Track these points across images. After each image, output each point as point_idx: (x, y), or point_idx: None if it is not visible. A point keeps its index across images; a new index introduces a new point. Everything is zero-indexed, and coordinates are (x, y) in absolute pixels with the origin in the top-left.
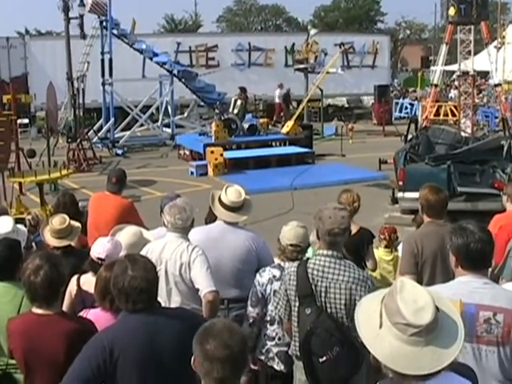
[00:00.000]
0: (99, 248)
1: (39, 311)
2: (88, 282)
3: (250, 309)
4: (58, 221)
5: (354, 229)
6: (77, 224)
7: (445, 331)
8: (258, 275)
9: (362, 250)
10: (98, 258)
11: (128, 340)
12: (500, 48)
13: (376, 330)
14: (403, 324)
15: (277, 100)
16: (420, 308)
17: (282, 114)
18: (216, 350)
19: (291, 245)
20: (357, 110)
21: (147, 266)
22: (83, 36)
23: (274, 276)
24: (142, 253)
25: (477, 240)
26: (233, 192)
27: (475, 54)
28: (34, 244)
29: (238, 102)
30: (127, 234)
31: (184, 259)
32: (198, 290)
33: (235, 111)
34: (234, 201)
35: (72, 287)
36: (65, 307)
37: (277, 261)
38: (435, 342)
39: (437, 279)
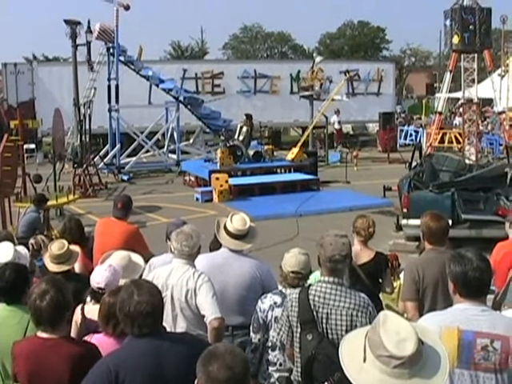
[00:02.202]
0: (98, 277)
1: (44, 335)
2: (91, 310)
3: (251, 335)
4: (57, 246)
5: (370, 254)
6: (76, 249)
7: (429, 363)
8: (259, 301)
9: (379, 274)
10: (98, 288)
11: (133, 364)
12: (504, 76)
13: (360, 364)
14: (386, 356)
15: (336, 126)
16: (402, 339)
17: (339, 140)
18: (218, 372)
19: (293, 272)
20: (362, 137)
21: (152, 290)
22: (91, 68)
23: (276, 302)
24: (149, 278)
25: (475, 268)
26: (238, 220)
27: (480, 81)
28: (37, 268)
29: (244, 129)
30: (116, 258)
31: (190, 285)
32: (203, 316)
33: (241, 138)
34: (240, 229)
35: (77, 317)
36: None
37: (280, 287)
38: (419, 373)
39: (438, 306)
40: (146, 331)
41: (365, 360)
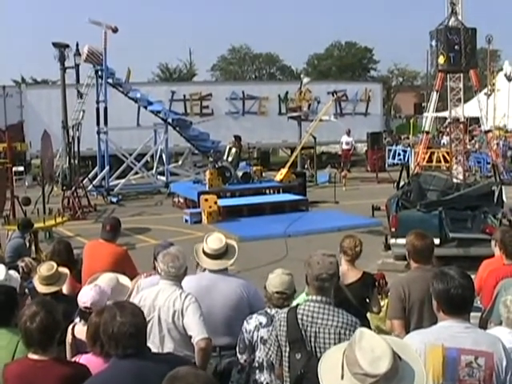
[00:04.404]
0: (84, 297)
1: (35, 357)
2: (80, 331)
3: (238, 355)
4: (46, 267)
5: (357, 274)
6: (65, 270)
7: (406, 380)
8: (245, 322)
9: (366, 293)
10: (85, 307)
11: None
12: (490, 95)
13: (338, 380)
14: (361, 374)
15: (344, 146)
16: (377, 357)
17: (345, 160)
18: None
19: (277, 292)
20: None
21: (135, 311)
22: (80, 96)
23: (261, 323)
24: (135, 300)
25: (457, 286)
26: (213, 240)
27: (466, 100)
28: (26, 290)
29: (233, 150)
30: (103, 280)
31: (177, 307)
32: (190, 337)
33: (229, 159)
34: (216, 248)
35: (69, 337)
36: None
37: (266, 308)
38: None
39: (424, 323)
40: (130, 352)
41: (342, 377)
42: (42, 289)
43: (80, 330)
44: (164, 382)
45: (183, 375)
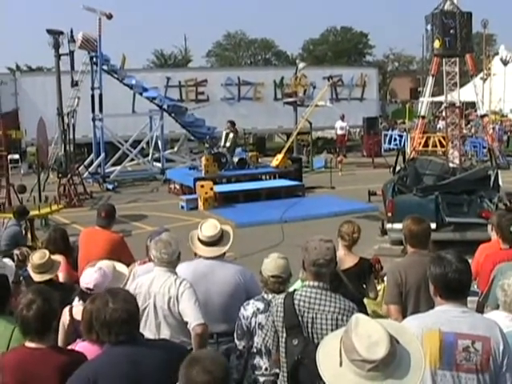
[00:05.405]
0: (87, 278)
1: (32, 345)
2: (79, 312)
3: (236, 342)
4: (38, 256)
5: (354, 259)
6: (58, 258)
7: (404, 363)
8: (242, 308)
9: (363, 279)
10: (87, 288)
11: (111, 371)
12: (486, 79)
13: (337, 368)
14: (359, 360)
15: (338, 132)
16: (374, 343)
17: (340, 145)
18: (197, 375)
19: (273, 276)
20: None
21: (127, 298)
22: (76, 83)
23: (258, 309)
24: (131, 288)
25: (454, 270)
26: (208, 227)
27: (462, 85)
28: (21, 278)
29: (231, 135)
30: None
31: (172, 293)
32: (186, 323)
33: (227, 144)
34: (211, 235)
35: (65, 318)
36: (60, 340)
37: (263, 293)
38: (395, 374)
39: (421, 308)
40: (123, 339)
41: (341, 364)
42: (35, 277)
43: (79, 310)
44: (183, 363)
45: (202, 358)
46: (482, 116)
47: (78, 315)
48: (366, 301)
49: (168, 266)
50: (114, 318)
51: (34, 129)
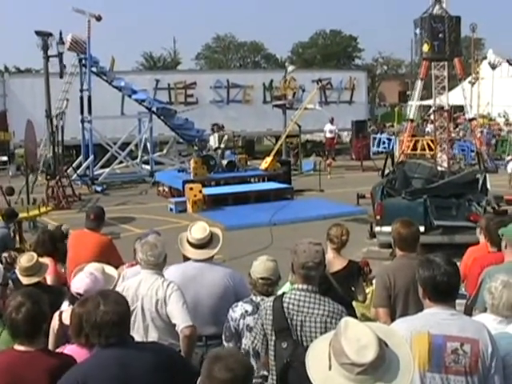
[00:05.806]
0: (78, 284)
1: (21, 348)
2: (69, 317)
3: (224, 343)
4: (26, 259)
5: (343, 262)
6: (46, 261)
7: (393, 366)
8: (230, 310)
9: (351, 282)
10: (77, 293)
11: (100, 374)
12: (474, 83)
13: (326, 371)
14: (348, 364)
15: (328, 135)
16: (363, 346)
17: (329, 148)
18: (219, 372)
19: (262, 278)
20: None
21: (118, 300)
22: (61, 75)
23: (247, 311)
24: (119, 290)
25: (443, 272)
26: (198, 229)
27: (451, 88)
28: (10, 281)
29: (225, 137)
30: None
31: (160, 295)
32: (174, 325)
33: (222, 146)
34: (201, 237)
35: (54, 323)
36: (50, 344)
37: (251, 296)
38: (384, 377)
39: (410, 311)
40: (113, 341)
41: (330, 368)
42: (23, 280)
43: (68, 315)
44: (206, 360)
45: (225, 356)
46: (471, 120)
47: (67, 320)
48: (354, 304)
49: (155, 269)
50: (104, 321)
51: (22, 130)
